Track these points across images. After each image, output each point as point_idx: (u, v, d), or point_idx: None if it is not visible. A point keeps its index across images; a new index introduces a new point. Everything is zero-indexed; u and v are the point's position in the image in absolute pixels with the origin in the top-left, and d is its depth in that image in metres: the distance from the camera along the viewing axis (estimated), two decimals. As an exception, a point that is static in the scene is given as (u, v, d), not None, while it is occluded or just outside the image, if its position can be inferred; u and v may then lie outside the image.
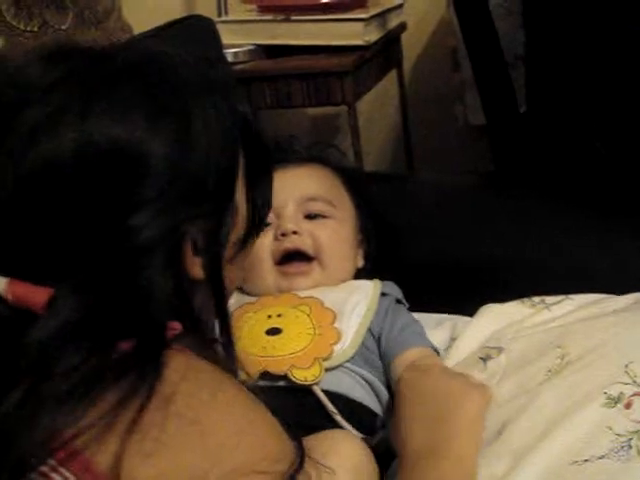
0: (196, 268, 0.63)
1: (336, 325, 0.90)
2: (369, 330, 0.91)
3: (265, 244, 0.97)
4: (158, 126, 0.59)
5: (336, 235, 0.99)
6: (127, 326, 0.57)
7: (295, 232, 0.96)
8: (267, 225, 0.97)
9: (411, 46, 1.93)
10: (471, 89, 1.74)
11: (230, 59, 1.50)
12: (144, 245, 0.58)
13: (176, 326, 0.60)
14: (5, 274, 0.57)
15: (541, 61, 1.35)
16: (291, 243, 0.96)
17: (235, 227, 0.67)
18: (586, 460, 0.67)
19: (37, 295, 0.56)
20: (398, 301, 0.97)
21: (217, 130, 0.63)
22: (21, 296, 0.56)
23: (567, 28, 1.26)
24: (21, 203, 0.57)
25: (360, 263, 1.03)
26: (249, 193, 0.69)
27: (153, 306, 0.58)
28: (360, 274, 1.02)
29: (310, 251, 0.97)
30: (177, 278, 0.61)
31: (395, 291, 0.98)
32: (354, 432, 0.82)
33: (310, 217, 0.99)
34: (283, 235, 0.96)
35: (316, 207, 0.99)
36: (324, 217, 0.99)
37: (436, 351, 0.93)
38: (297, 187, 1.00)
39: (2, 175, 0.57)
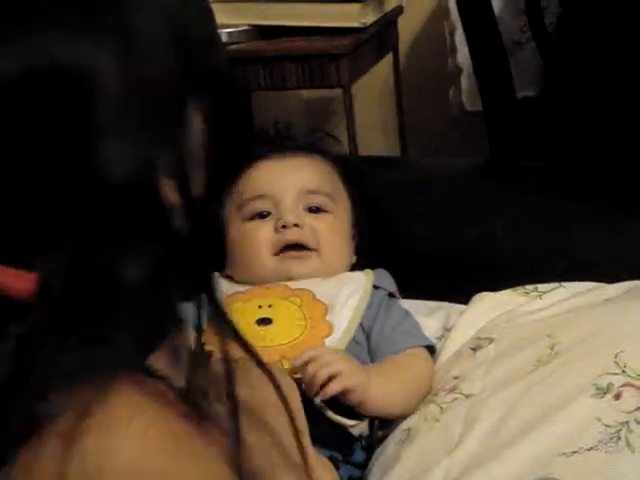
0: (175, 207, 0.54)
1: (328, 318, 0.89)
2: (360, 324, 0.90)
3: (264, 235, 0.95)
4: (99, 38, 0.51)
5: (335, 230, 0.98)
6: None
7: (296, 225, 0.95)
8: (265, 215, 0.96)
9: (407, 30, 1.92)
10: (467, 74, 1.73)
11: (224, 39, 1.48)
12: (121, 183, 0.50)
13: None
14: None
15: (569, 44, 1.34)
16: (293, 235, 0.94)
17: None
18: (575, 452, 0.67)
19: (20, 280, 0.49)
20: (391, 294, 0.96)
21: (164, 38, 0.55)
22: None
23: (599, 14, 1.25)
24: None
25: (353, 259, 1.01)
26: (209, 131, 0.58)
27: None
28: (353, 267, 1.01)
29: (311, 244, 0.95)
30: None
31: (387, 282, 0.97)
32: (342, 420, 0.82)
33: (310, 210, 0.97)
34: (284, 227, 0.95)
35: (317, 200, 0.98)
36: (324, 211, 0.98)
37: (431, 346, 0.92)
38: (297, 178, 0.98)
39: None
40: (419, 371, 0.89)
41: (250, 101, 1.68)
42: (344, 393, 0.81)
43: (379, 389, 0.83)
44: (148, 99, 0.54)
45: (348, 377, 0.80)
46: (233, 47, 1.55)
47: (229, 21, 1.57)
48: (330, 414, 0.82)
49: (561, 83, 1.41)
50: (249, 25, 1.60)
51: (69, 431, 0.46)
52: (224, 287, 0.96)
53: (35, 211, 0.50)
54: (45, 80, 0.50)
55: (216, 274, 0.98)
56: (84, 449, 0.46)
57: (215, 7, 1.46)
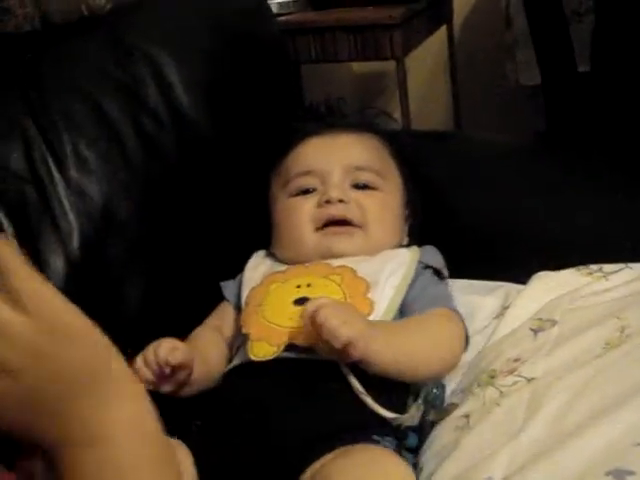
0: None
1: (369, 296, 0.85)
2: (402, 302, 0.86)
3: (307, 209, 0.92)
4: None
5: (384, 207, 0.94)
6: None
7: (341, 200, 0.92)
8: (310, 191, 0.94)
9: (462, 1, 1.87)
10: (523, 47, 1.68)
11: (274, 10, 1.45)
12: None
13: None
14: None
15: (609, 17, 1.29)
16: (336, 211, 0.91)
17: None
18: (651, 442, 0.63)
19: None
20: (436, 271, 0.92)
21: None
22: None
23: None
24: None
25: (405, 241, 0.98)
26: None
27: None
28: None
29: (356, 221, 0.92)
30: None
31: (434, 259, 0.93)
32: (383, 412, 0.77)
33: (357, 187, 0.94)
34: (327, 202, 0.92)
35: (364, 177, 0.95)
36: (372, 188, 0.95)
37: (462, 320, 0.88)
38: (346, 154, 0.96)
39: None
40: (438, 327, 0.85)
41: (300, 74, 1.64)
42: (347, 346, 0.74)
43: (383, 343, 0.77)
44: None
45: (349, 327, 0.74)
46: (283, 18, 1.52)
47: (280, -9, 1.54)
48: (369, 402, 0.77)
49: (621, 56, 1.35)
50: (300, -5, 1.57)
51: None
52: (265, 264, 0.94)
53: None
54: None
55: (262, 252, 0.97)
56: None
57: (267, -23, 1.41)
